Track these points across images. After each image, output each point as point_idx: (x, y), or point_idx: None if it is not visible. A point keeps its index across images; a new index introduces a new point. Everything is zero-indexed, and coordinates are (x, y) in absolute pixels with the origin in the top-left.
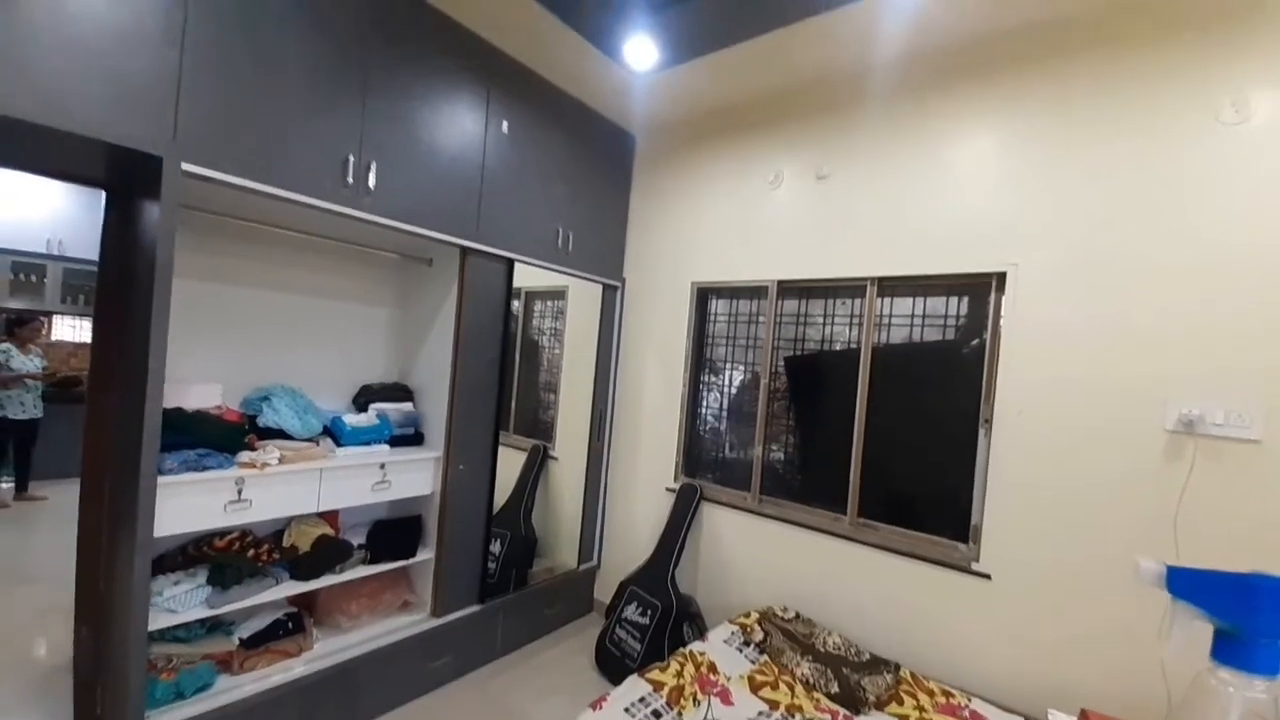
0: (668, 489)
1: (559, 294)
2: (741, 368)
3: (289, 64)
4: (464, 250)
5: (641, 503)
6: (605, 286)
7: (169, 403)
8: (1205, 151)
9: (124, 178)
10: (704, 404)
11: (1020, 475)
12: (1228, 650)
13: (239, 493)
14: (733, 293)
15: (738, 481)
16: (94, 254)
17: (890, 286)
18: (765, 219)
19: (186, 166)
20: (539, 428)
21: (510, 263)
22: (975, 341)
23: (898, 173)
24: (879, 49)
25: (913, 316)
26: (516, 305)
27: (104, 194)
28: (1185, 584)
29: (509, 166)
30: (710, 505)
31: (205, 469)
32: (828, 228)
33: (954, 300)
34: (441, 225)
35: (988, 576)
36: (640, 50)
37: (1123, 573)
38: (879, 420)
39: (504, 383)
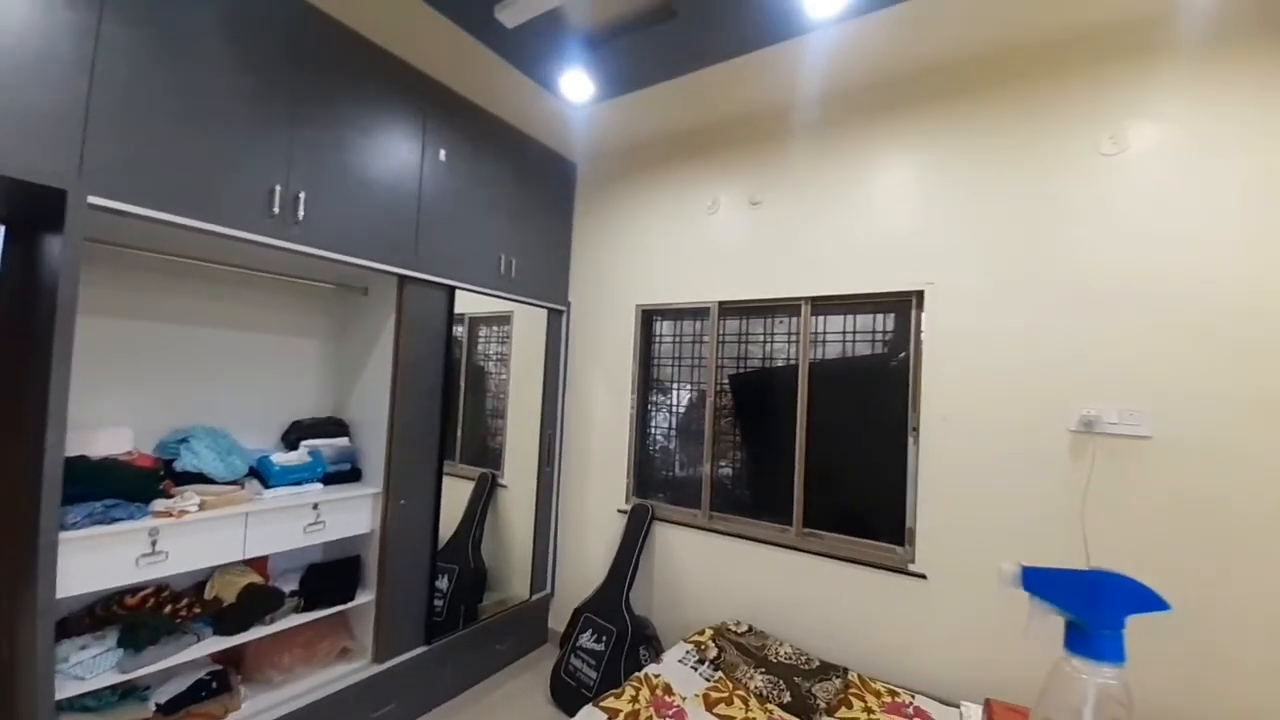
0: (619, 511)
1: (504, 319)
2: (689, 387)
3: (211, 93)
4: (401, 279)
5: (594, 526)
6: (550, 311)
7: (73, 450)
8: (1089, 179)
9: (25, 211)
10: (653, 424)
11: (947, 478)
12: (1078, 641)
13: (153, 544)
14: (677, 314)
15: (689, 499)
16: None
17: (823, 305)
18: (705, 243)
19: (94, 200)
20: (487, 455)
21: (451, 290)
22: (901, 355)
23: (825, 198)
24: (801, 86)
25: (845, 333)
26: (461, 331)
27: (1, 228)
28: (1038, 582)
29: (448, 194)
30: (662, 525)
31: (114, 521)
32: (763, 250)
33: (881, 317)
34: (376, 254)
35: (924, 576)
36: (576, 84)
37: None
38: (819, 432)
39: (448, 412)
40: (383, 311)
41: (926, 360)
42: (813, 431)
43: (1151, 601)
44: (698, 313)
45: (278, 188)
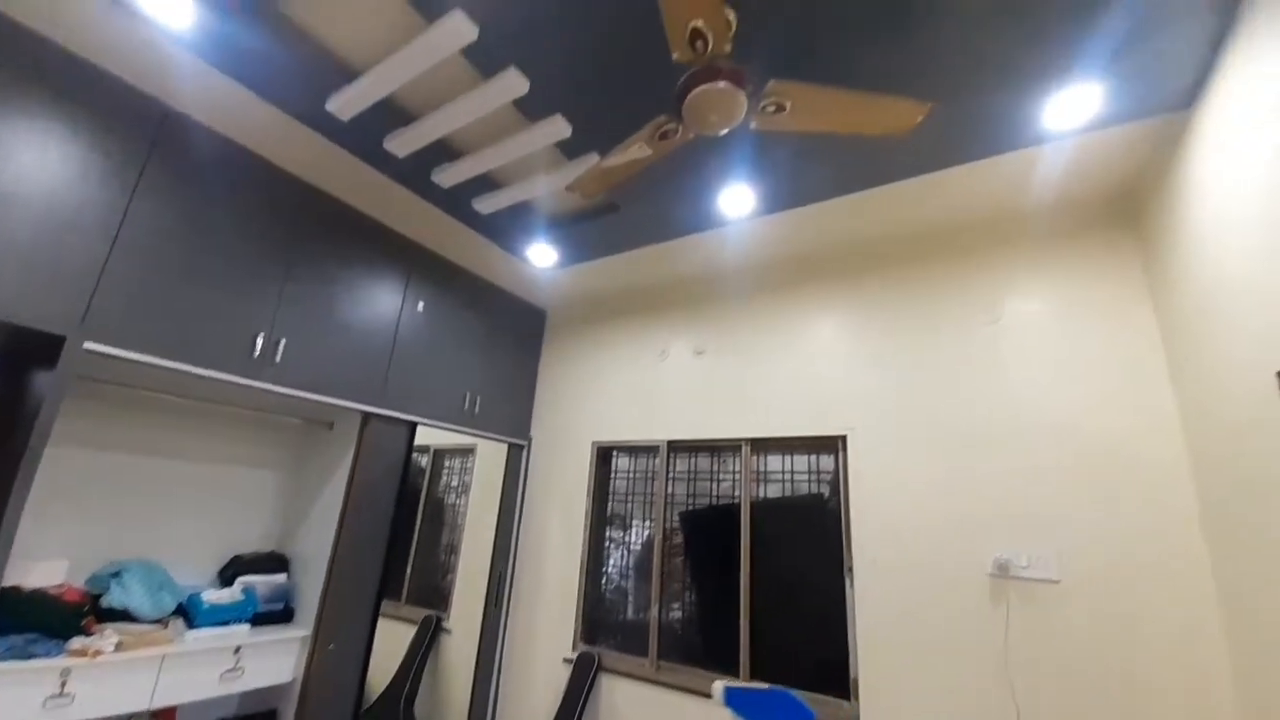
0: (565, 659)
1: (468, 451)
2: (647, 524)
3: (216, 255)
4: (365, 415)
5: (540, 676)
6: (511, 445)
7: (9, 580)
8: (974, 344)
9: (21, 348)
10: (609, 562)
11: (883, 624)
12: None
13: (62, 686)
14: (631, 450)
15: (637, 646)
16: None
17: (762, 446)
18: (656, 386)
19: (90, 345)
20: (435, 595)
21: (413, 425)
22: (833, 496)
23: (762, 350)
24: (729, 260)
25: (784, 473)
26: (425, 461)
27: None
28: (737, 699)
29: (421, 339)
30: (609, 675)
31: (31, 657)
32: (707, 395)
33: (816, 457)
34: (345, 392)
35: None
36: (542, 254)
37: (973, 710)
38: (762, 574)
39: (395, 546)
40: (344, 445)
41: (854, 502)
42: (756, 572)
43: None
44: (650, 450)
45: (261, 335)
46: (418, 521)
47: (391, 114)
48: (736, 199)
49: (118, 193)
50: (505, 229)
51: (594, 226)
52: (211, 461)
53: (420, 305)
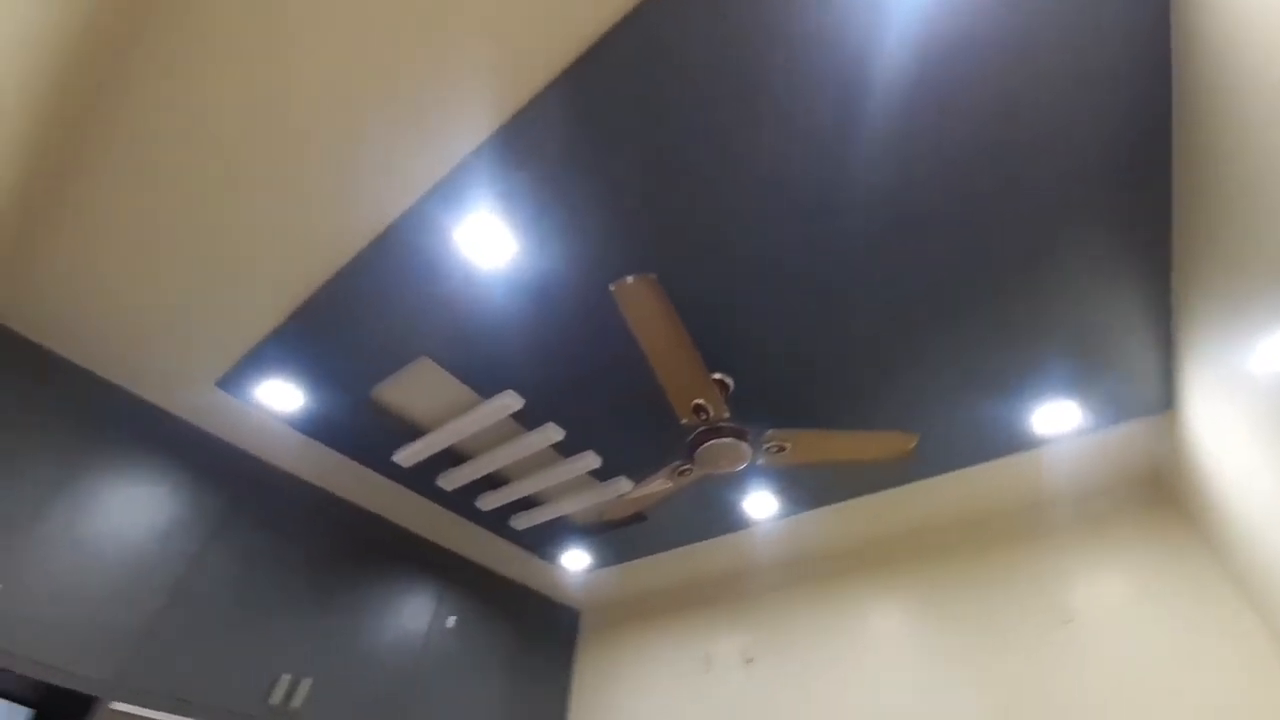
0: None
1: None
2: None
3: (264, 592)
4: None
5: None
6: None
7: None
8: (1047, 648)
9: (53, 704)
10: None
11: None
12: None
13: None
14: None
15: None
16: None
17: None
18: (703, 707)
19: (115, 705)
20: None
21: None
22: None
23: (821, 656)
24: (771, 553)
25: None
26: None
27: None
28: None
29: (449, 661)
30: None
31: None
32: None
33: None
34: None
35: None
36: (575, 558)
37: None
38: None
39: None
40: None
41: None
42: None
43: None
44: None
45: (285, 677)
46: None
47: (446, 457)
48: (760, 504)
49: (195, 541)
50: (540, 540)
51: (622, 534)
52: None
53: (451, 621)
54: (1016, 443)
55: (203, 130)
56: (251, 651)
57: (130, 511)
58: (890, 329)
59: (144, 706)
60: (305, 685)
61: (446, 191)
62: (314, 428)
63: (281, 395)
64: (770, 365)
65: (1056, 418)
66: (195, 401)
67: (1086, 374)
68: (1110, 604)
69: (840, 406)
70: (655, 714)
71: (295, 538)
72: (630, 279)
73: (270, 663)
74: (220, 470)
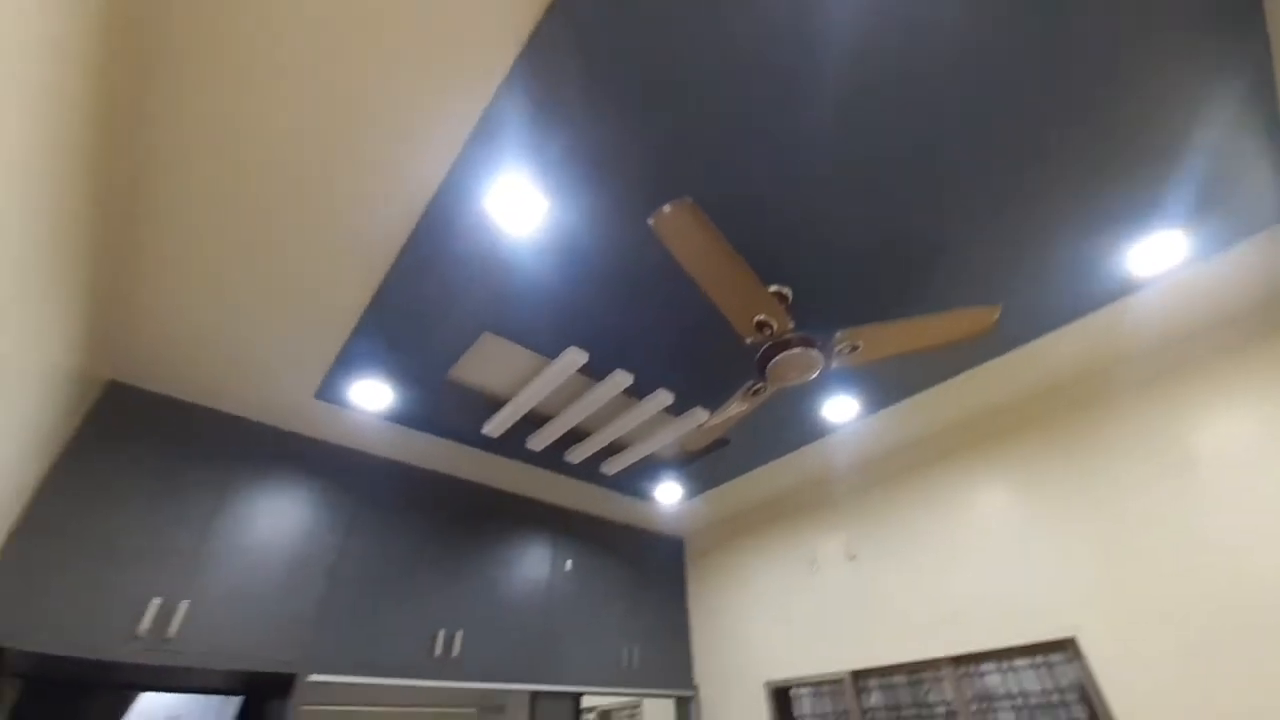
0: None
1: (634, 707)
2: None
3: (404, 567)
4: (534, 695)
5: None
6: (678, 700)
7: None
8: (1172, 491)
9: (261, 687)
10: None
11: None
12: None
13: None
14: (813, 688)
15: None
16: None
17: (966, 664)
18: (814, 605)
19: (313, 677)
20: None
21: (577, 697)
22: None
23: (924, 542)
24: (861, 451)
25: (1013, 696)
26: None
27: (242, 698)
28: None
29: (572, 600)
30: None
31: None
32: (875, 606)
33: (1044, 671)
34: (515, 675)
35: None
36: (668, 491)
37: None
38: None
39: None
40: None
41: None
42: None
43: None
44: (834, 684)
45: (441, 632)
46: None
47: (529, 421)
48: (840, 408)
49: (337, 534)
50: (632, 480)
51: (708, 461)
52: None
53: (568, 564)
54: (1112, 290)
55: (243, 148)
56: (408, 615)
57: (278, 519)
58: (956, 191)
59: (335, 674)
60: (459, 636)
61: (473, 155)
62: (407, 417)
63: (372, 395)
64: (827, 264)
65: (1157, 253)
66: (303, 415)
67: (1190, 196)
68: (1232, 442)
69: (909, 294)
70: (768, 615)
71: (418, 516)
72: (666, 208)
73: (426, 622)
74: (341, 470)
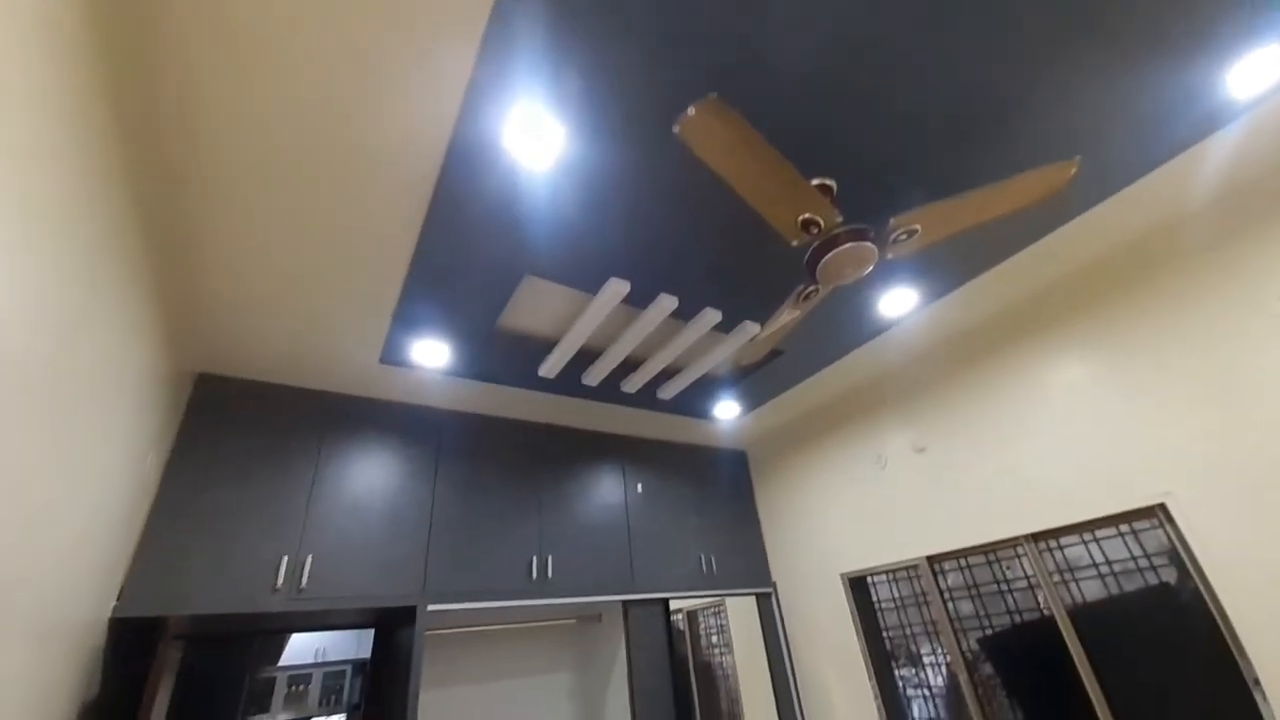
0: None
1: (718, 607)
2: (942, 656)
3: (491, 507)
4: (625, 604)
5: None
6: (758, 596)
7: None
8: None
9: (387, 620)
10: (911, 707)
11: None
12: None
13: None
14: (890, 575)
15: None
16: (345, 654)
17: (1046, 539)
18: (887, 499)
19: (432, 607)
20: None
21: (665, 603)
22: (1189, 580)
23: (992, 423)
24: (921, 342)
25: (1097, 565)
26: (681, 622)
27: (373, 630)
28: None
29: (647, 518)
30: None
31: None
32: (950, 494)
33: (1129, 539)
34: (604, 588)
35: None
36: (726, 409)
37: None
38: (1122, 703)
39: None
40: (614, 635)
41: (1220, 587)
42: (1114, 703)
43: None
44: (910, 570)
45: (534, 558)
46: (694, 692)
47: (582, 357)
48: (898, 300)
49: (427, 485)
50: (690, 401)
51: (763, 373)
52: (514, 677)
53: (639, 487)
54: (1209, 121)
55: (273, 122)
56: (503, 547)
57: (374, 475)
58: (1023, 31)
59: (449, 602)
60: (550, 560)
61: (483, 87)
62: (467, 370)
63: (431, 353)
64: (872, 146)
65: (1261, 69)
66: (374, 380)
67: None
68: None
69: (965, 165)
70: (840, 514)
71: (495, 461)
72: (691, 110)
73: (520, 551)
74: (417, 426)
